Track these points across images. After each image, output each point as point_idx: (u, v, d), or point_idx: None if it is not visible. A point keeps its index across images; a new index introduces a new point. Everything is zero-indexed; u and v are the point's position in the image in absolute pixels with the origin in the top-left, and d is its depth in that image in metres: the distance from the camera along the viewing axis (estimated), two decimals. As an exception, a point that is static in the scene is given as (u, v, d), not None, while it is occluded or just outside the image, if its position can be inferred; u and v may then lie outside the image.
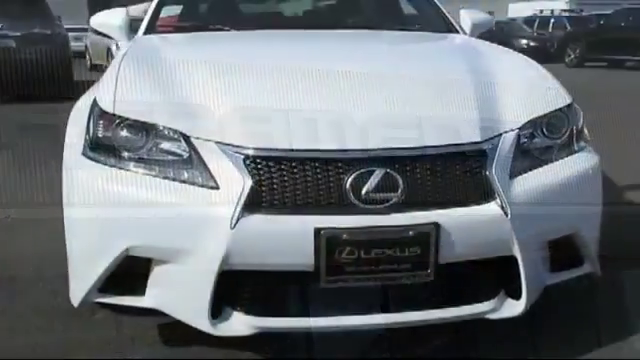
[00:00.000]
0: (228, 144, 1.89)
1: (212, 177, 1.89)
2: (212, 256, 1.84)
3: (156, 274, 2.00)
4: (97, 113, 2.10)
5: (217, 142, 1.91)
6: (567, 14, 23.56)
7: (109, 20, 3.22)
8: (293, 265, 1.86)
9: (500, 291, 2.03)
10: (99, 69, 17.84)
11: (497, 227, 1.92)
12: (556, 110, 2.20)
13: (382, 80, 2.24)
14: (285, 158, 1.86)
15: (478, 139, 1.97)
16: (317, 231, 1.81)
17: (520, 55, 2.69)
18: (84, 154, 2.09)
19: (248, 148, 1.87)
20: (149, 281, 2.02)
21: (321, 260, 1.82)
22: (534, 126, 2.12)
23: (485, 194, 1.93)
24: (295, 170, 1.86)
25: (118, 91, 2.12)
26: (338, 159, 1.86)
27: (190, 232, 1.88)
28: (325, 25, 3.24)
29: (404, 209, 1.86)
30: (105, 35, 3.34)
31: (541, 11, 25.42)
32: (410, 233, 1.84)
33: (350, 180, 1.84)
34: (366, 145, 1.89)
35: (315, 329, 1.92)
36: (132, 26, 3.18)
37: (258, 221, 1.83)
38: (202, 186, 1.91)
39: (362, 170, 1.85)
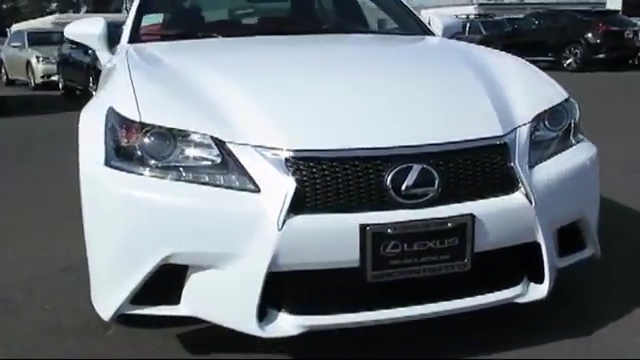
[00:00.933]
0: (267, 147, 1.91)
1: (252, 180, 1.90)
2: (260, 258, 1.85)
3: (193, 281, 1.99)
4: (118, 122, 2.07)
5: (254, 146, 1.93)
6: (482, 19, 24.55)
7: (88, 30, 3.14)
8: (339, 262, 1.90)
9: (524, 276, 2.14)
10: (17, 84, 17.12)
11: (523, 215, 2.03)
12: (557, 105, 2.34)
13: (400, 80, 2.32)
14: (326, 158, 1.90)
15: (500, 133, 2.08)
16: (362, 227, 1.86)
17: (511, 55, 2.83)
18: (108, 164, 2.05)
19: (288, 150, 1.90)
20: (185, 289, 2.00)
21: (367, 255, 1.87)
22: (539, 120, 2.25)
23: (510, 184, 2.04)
24: (336, 169, 1.90)
25: (139, 99, 2.09)
26: (377, 157, 1.92)
27: (235, 236, 1.88)
28: (308, 30, 3.29)
29: (441, 202, 1.94)
30: (80, 45, 3.26)
31: (456, 16, 26.35)
32: (449, 225, 1.92)
33: (390, 177, 1.90)
34: (402, 142, 1.95)
35: (362, 324, 1.96)
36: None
37: (304, 221, 1.85)
38: (241, 190, 1.91)
39: (401, 166, 1.91)
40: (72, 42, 3.45)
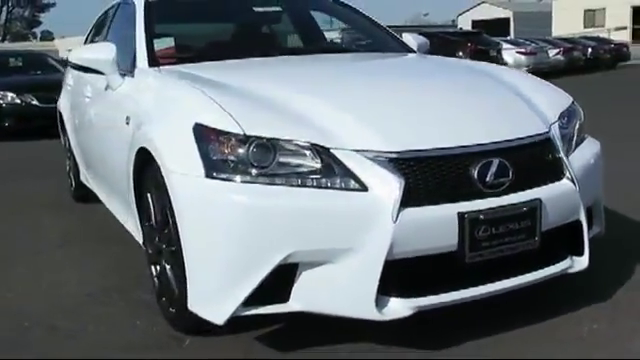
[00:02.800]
0: (371, 150, 2.14)
1: (358, 180, 2.12)
2: (378, 249, 2.07)
3: (304, 278, 2.15)
4: (215, 136, 2.20)
5: (357, 150, 2.15)
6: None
7: (100, 55, 3.17)
8: (439, 248, 2.16)
9: (569, 251, 2.51)
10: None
11: (571, 197, 2.41)
12: (569, 106, 2.76)
13: (452, 90, 2.64)
14: (424, 157, 2.17)
15: (545, 130, 2.45)
16: (461, 215, 2.14)
17: (509, 68, 3.24)
18: (209, 176, 2.17)
19: (394, 152, 2.14)
20: (295, 286, 2.17)
21: (465, 240, 2.15)
22: (561, 119, 2.65)
23: (560, 172, 2.41)
24: (432, 166, 2.17)
25: (233, 113, 2.23)
26: (464, 154, 2.22)
27: (351, 232, 2.08)
28: (313, 50, 3.54)
29: (514, 190, 2.26)
30: (88, 70, 3.27)
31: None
32: (524, 209, 2.25)
33: (476, 170, 2.20)
34: (481, 140, 2.26)
35: (461, 301, 2.23)
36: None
37: (412, 213, 2.10)
38: (349, 190, 2.12)
39: (483, 161, 2.22)
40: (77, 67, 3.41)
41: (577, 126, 2.74)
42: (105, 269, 3.42)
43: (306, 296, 2.17)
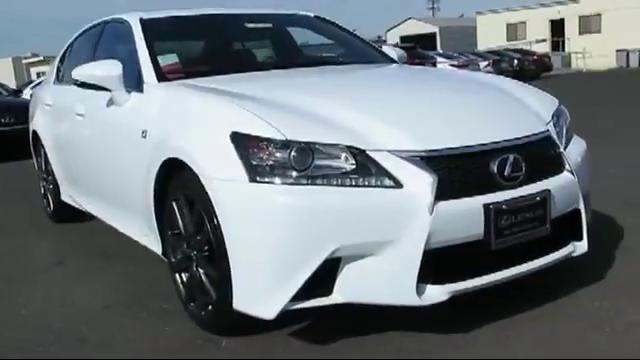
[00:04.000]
0: (404, 150, 2.34)
1: (393, 178, 2.30)
2: (417, 240, 2.26)
3: (347, 271, 2.32)
4: (256, 143, 2.34)
5: (391, 150, 2.34)
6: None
7: (107, 72, 3.24)
8: (467, 237, 2.37)
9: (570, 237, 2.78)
10: None
11: (572, 188, 2.68)
12: (557, 107, 3.05)
13: (460, 95, 2.88)
14: (452, 155, 2.38)
15: (545, 128, 2.72)
16: (486, 206, 2.36)
17: (496, 75, 3.52)
18: (253, 180, 2.31)
19: (425, 151, 2.34)
20: (338, 279, 2.32)
21: (491, 228, 2.37)
22: (553, 118, 2.93)
23: (561, 165, 2.68)
24: (459, 162, 2.38)
25: (272, 121, 2.38)
26: (485, 151, 2.45)
27: (391, 225, 2.26)
28: (314, 63, 3.75)
29: (527, 182, 2.51)
30: (93, 87, 3.33)
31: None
32: (537, 199, 2.49)
33: (495, 165, 2.43)
34: (497, 139, 2.50)
35: (489, 284, 2.44)
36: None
37: (445, 206, 2.30)
38: (385, 187, 2.30)
39: (501, 157, 2.45)
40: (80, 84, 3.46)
41: (566, 125, 3.02)
42: (114, 283, 3.47)
43: (349, 288, 2.33)
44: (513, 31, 43.09)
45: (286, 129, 2.35)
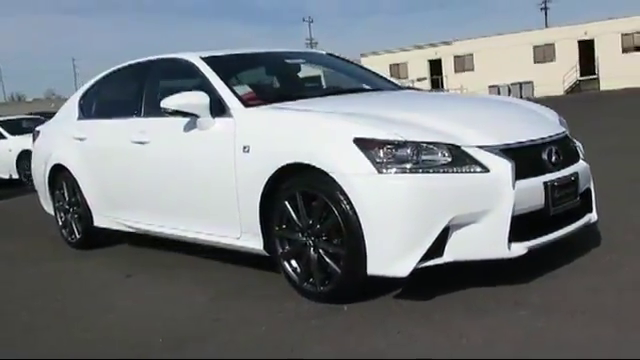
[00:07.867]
0: (487, 145, 3.15)
1: (482, 165, 3.11)
2: (506, 209, 3.07)
3: (455, 236, 3.07)
4: (379, 143, 3.07)
5: (478, 146, 3.15)
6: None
7: (196, 101, 3.84)
8: (532, 206, 3.21)
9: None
10: None
11: (587, 172, 3.64)
12: (559, 117, 4.01)
13: (496, 108, 3.79)
14: (520, 147, 3.25)
15: (564, 129, 3.68)
16: (545, 183, 3.23)
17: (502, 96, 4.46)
18: (380, 172, 3.04)
19: (503, 144, 3.18)
20: (448, 242, 3.08)
21: (549, 199, 3.24)
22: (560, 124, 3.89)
23: (577, 156, 3.63)
24: (524, 152, 3.25)
25: (385, 126, 3.14)
26: (537, 144, 3.34)
27: (489, 198, 3.06)
28: (358, 90, 4.56)
29: (563, 167, 3.41)
30: (184, 114, 3.90)
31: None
32: (572, 178, 3.41)
33: (545, 155, 3.32)
34: (542, 135, 3.39)
35: (552, 240, 3.29)
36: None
37: (521, 184, 3.14)
38: (477, 172, 3.10)
39: (548, 148, 3.35)
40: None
41: (568, 130, 3.99)
42: (203, 283, 3.96)
43: (456, 249, 3.09)
44: (396, 70, 46.05)
45: (402, 133, 3.10)
